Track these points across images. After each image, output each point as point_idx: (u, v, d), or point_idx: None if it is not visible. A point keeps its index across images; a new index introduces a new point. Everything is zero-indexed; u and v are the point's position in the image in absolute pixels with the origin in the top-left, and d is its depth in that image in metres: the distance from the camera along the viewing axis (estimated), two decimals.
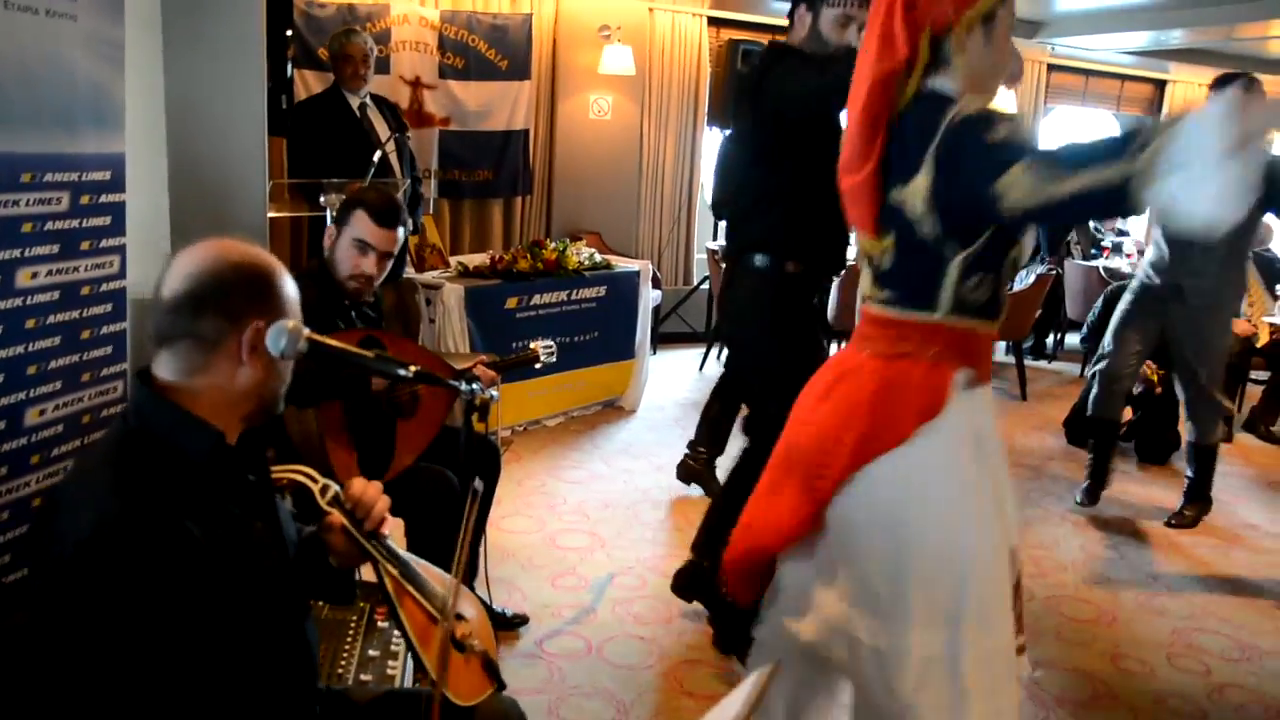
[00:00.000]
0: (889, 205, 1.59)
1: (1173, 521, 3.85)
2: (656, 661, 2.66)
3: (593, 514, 3.66)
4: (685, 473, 3.93)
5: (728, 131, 3.20)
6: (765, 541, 1.78)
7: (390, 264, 2.40)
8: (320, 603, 1.89)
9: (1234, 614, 3.16)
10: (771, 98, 2.44)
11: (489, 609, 2.69)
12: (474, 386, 1.45)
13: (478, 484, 1.32)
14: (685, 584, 2.83)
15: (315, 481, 1.31)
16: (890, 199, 1.59)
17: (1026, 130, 1.49)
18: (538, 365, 2.72)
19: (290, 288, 1.22)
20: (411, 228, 4.20)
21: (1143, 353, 3.82)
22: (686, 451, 3.95)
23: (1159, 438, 4.64)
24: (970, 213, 1.52)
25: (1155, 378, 4.51)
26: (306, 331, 1.14)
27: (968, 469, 1.60)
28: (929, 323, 1.60)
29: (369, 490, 1.35)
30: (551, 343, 2.73)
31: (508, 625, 2.74)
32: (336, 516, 1.32)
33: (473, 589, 2.55)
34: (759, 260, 2.56)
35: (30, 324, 2.11)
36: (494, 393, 1.54)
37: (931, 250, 1.57)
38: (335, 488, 1.33)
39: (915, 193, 1.54)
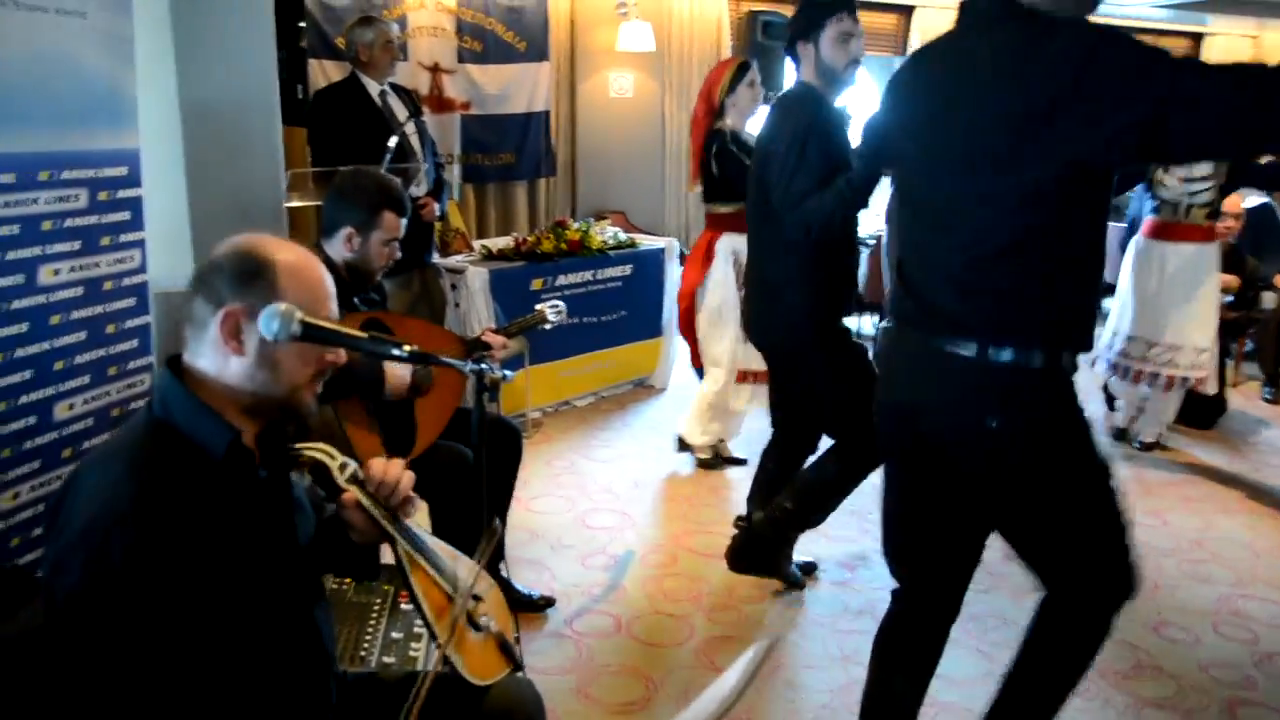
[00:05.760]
0: None
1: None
2: (686, 639, 2.65)
3: (623, 493, 3.66)
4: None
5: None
6: None
7: None
8: (345, 581, 1.91)
9: None
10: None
11: (515, 591, 2.70)
12: (481, 366, 1.43)
13: (496, 524, 1.29)
14: (738, 556, 2.78)
15: (334, 459, 1.31)
16: None
17: None
18: (547, 326, 2.68)
19: (302, 283, 1.20)
20: (438, 213, 4.20)
21: None
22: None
23: (1205, 401, 4.51)
24: None
25: (1235, 286, 4.65)
26: (300, 315, 1.13)
27: None
28: None
29: (390, 469, 1.35)
30: (559, 302, 2.69)
31: (534, 608, 2.74)
32: (353, 495, 1.31)
33: (497, 570, 2.55)
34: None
35: (54, 320, 2.14)
36: (508, 373, 1.52)
37: None
38: (354, 465, 1.33)
39: None
